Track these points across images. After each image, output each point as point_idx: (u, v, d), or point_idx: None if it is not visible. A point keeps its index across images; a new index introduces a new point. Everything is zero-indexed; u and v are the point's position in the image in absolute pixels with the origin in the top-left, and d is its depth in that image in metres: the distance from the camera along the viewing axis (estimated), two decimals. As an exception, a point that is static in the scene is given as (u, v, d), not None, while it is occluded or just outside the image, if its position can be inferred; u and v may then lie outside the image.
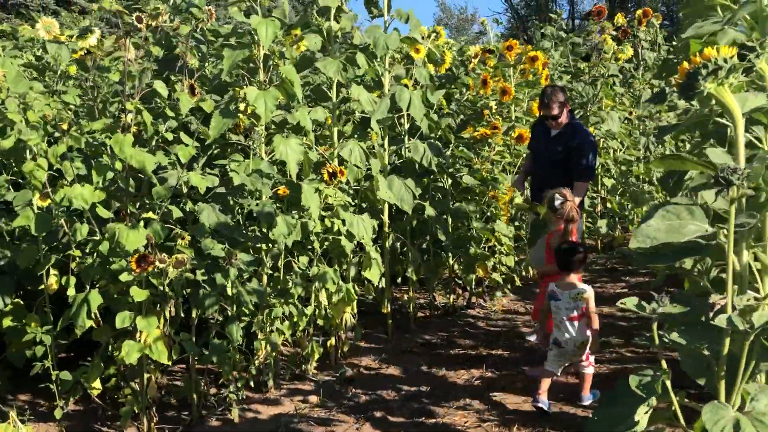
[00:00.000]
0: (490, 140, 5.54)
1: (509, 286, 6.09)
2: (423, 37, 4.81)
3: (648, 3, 31.38)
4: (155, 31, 3.85)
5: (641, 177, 8.96)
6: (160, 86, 3.41)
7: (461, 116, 6.12)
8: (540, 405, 3.56)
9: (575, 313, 3.53)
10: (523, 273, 6.58)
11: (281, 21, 3.73)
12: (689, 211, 1.56)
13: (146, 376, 3.45)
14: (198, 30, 3.98)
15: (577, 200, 4.26)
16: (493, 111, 6.05)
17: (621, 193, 8.50)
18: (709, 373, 1.35)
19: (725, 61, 1.51)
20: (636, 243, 1.49)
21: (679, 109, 1.54)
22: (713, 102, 1.53)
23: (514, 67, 6.16)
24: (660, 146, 9.27)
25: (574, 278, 3.62)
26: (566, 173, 4.50)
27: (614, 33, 7.52)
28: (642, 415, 1.56)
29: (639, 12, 8.20)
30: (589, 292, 3.54)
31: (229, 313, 3.70)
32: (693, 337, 1.40)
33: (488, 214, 5.59)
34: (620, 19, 7.72)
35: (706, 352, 1.35)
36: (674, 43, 10.56)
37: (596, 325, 3.53)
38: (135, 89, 3.30)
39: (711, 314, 1.36)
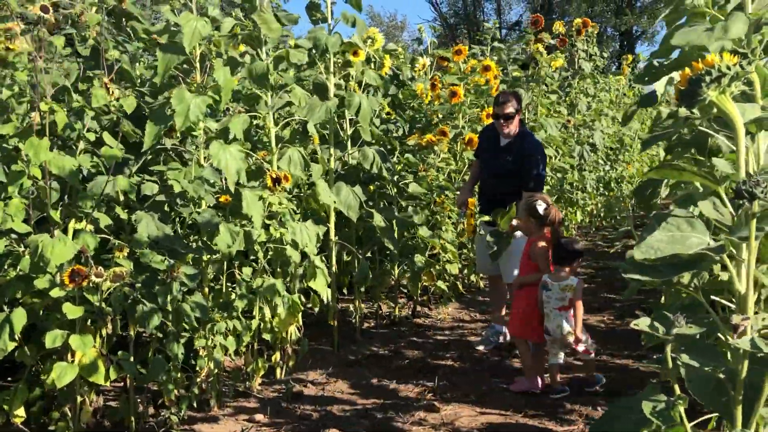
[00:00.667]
0: (436, 147, 5.46)
1: (453, 294, 6.03)
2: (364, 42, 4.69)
3: (571, 15, 32.38)
4: (77, 25, 3.60)
5: (575, 184, 9.13)
6: (63, 81, 3.15)
7: (408, 124, 6.04)
8: (563, 391, 3.86)
9: (564, 304, 3.77)
10: (466, 281, 6.54)
11: (213, 20, 3.52)
12: (689, 223, 1.49)
13: (79, 399, 3.17)
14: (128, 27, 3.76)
15: None
16: (440, 117, 6.01)
17: (556, 199, 8.61)
18: (718, 396, 1.28)
19: (728, 68, 1.44)
20: (640, 254, 1.40)
21: (681, 116, 1.47)
22: (714, 110, 1.47)
23: (465, 77, 6.13)
24: (594, 154, 9.49)
25: (566, 271, 3.82)
26: (516, 182, 4.47)
27: (552, 42, 7.61)
28: (642, 439, 1.48)
29: (578, 21, 8.34)
30: (577, 283, 3.78)
31: (169, 329, 3.47)
32: (705, 359, 1.32)
33: (433, 221, 5.52)
34: (560, 27, 7.82)
35: (721, 376, 1.27)
36: (604, 53, 10.82)
37: (579, 311, 3.79)
38: (45, 87, 3.01)
39: (735, 336, 1.29)
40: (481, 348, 4.74)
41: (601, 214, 10.96)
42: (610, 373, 4.18)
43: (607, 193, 10.70)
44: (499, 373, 4.26)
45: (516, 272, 4.41)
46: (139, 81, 3.92)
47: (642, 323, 1.34)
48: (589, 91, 9.45)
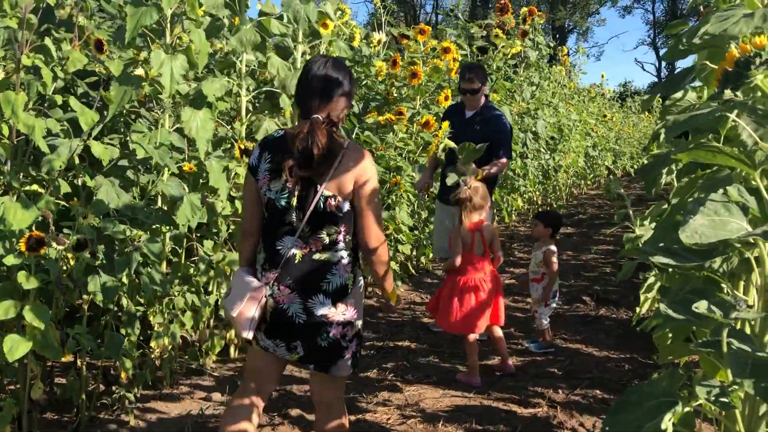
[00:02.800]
0: (395, 126, 5.40)
1: (404, 275, 6.00)
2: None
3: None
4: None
5: (517, 171, 9.24)
6: (49, 43, 2.90)
7: (363, 101, 5.93)
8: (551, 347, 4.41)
9: None
10: (415, 262, 6.52)
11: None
12: (726, 208, 1.49)
13: (29, 375, 2.95)
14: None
15: (494, 169, 4.38)
16: (396, 97, 5.92)
17: (500, 185, 8.70)
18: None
19: (777, 51, 1.43)
20: (687, 238, 1.39)
21: (724, 98, 1.45)
22: (759, 94, 1.46)
23: (423, 58, 6.06)
24: (536, 142, 9.64)
25: None
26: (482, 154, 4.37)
27: (509, 29, 7.64)
28: (667, 422, 1.47)
29: (524, 10, 8.39)
30: None
31: (125, 303, 3.29)
32: (748, 344, 1.32)
33: (389, 201, 5.46)
34: (508, 15, 7.85)
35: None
36: (550, 43, 10.96)
37: None
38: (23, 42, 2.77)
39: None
40: (437, 329, 4.72)
41: (539, 201, 11.18)
42: (565, 356, 4.25)
43: (545, 182, 10.91)
44: (458, 355, 4.26)
45: None
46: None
47: (702, 306, 1.33)
48: (534, 79, 9.56)
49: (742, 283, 2.02)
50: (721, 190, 1.67)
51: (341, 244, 2.27)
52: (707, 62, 1.72)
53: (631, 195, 12.86)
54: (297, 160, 2.19)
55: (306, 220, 2.22)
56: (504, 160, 4.47)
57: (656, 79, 42.61)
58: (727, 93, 1.46)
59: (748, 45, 1.44)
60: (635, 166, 19.91)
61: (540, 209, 11.36)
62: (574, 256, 7.64)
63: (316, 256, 2.25)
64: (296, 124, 2.38)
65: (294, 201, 2.22)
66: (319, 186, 2.20)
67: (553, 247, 4.33)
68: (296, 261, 2.25)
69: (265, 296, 2.27)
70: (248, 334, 2.27)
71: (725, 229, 1.42)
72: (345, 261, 2.28)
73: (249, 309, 2.24)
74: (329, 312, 2.25)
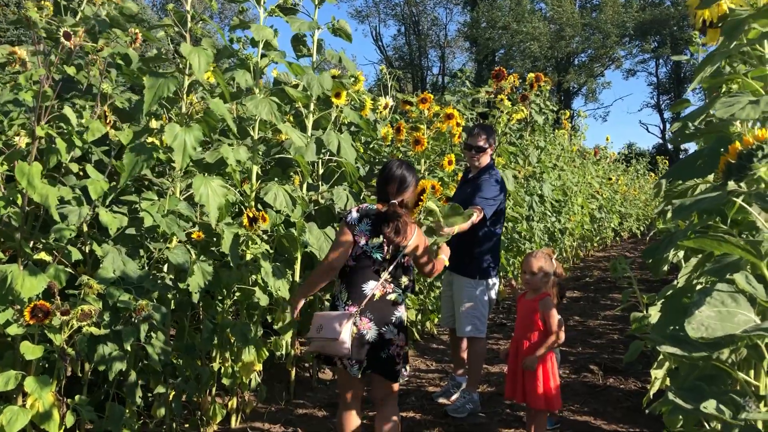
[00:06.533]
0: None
1: (410, 341, 5.93)
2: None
3: (515, 69, 33.47)
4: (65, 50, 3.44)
5: (523, 234, 9.24)
6: (69, 112, 2.96)
7: (369, 165, 5.99)
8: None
9: None
10: (419, 327, 6.46)
11: (212, 51, 3.42)
12: (733, 298, 1.48)
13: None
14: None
15: (465, 226, 3.91)
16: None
17: (506, 248, 8.69)
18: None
19: (780, 144, 1.45)
20: (694, 332, 1.37)
21: (728, 189, 1.47)
22: (762, 186, 1.47)
23: (427, 124, 6.14)
24: (542, 205, 9.66)
25: None
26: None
27: (508, 93, 7.77)
28: None
29: (531, 75, 8.55)
30: None
31: (130, 373, 3.25)
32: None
33: (394, 266, 5.45)
34: (514, 80, 8.00)
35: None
36: (554, 107, 11.13)
37: None
38: (39, 113, 2.83)
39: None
40: (441, 400, 4.64)
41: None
42: (572, 431, 4.16)
43: (551, 244, 10.89)
44: (462, 427, 4.17)
45: (469, 327, 4.39)
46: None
47: (710, 406, 1.31)
48: (540, 143, 9.65)
49: (752, 369, 1.99)
50: (728, 277, 1.67)
51: (404, 288, 3.23)
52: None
53: (638, 258, 12.70)
54: (389, 228, 3.13)
55: (390, 269, 3.14)
56: (478, 207, 4.23)
57: (660, 141, 42.99)
58: (731, 184, 1.47)
59: (751, 138, 1.46)
60: (641, 228, 19.92)
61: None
62: (581, 322, 7.57)
63: (389, 297, 3.15)
64: (376, 205, 3.29)
65: (387, 255, 3.16)
66: (401, 247, 3.16)
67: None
68: (375, 299, 3.11)
69: (352, 323, 3.05)
70: (349, 352, 3.00)
71: (732, 321, 1.41)
72: (404, 301, 3.24)
73: (346, 332, 3.00)
74: (394, 337, 3.15)
